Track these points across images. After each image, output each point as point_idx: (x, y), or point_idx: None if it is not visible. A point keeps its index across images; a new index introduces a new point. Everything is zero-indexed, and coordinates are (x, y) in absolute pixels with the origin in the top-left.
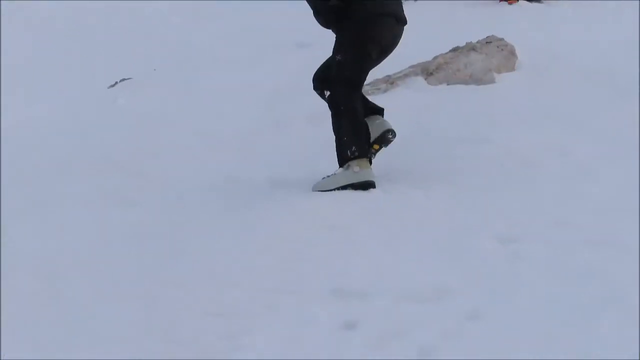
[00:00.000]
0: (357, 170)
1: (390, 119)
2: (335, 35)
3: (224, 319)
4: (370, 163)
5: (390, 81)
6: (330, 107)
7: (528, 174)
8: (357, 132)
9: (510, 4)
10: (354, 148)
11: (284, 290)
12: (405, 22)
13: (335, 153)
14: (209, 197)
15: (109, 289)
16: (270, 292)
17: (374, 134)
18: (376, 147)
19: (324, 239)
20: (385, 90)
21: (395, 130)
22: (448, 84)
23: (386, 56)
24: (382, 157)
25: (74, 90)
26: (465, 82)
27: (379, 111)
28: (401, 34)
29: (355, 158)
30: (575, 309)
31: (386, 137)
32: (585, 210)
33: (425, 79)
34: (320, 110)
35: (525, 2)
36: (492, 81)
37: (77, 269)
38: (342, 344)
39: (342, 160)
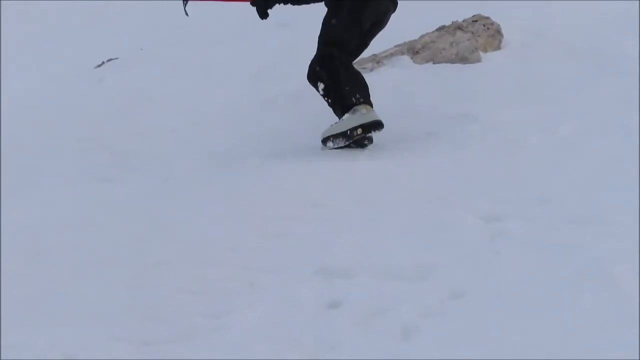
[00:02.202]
0: (364, 113)
1: (376, 97)
2: (329, 5)
3: (206, 298)
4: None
5: (377, 60)
6: (324, 67)
7: (512, 151)
8: (357, 81)
9: None
10: (357, 95)
11: (267, 269)
12: (396, 2)
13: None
14: (193, 174)
15: (92, 267)
16: (253, 271)
17: (361, 120)
18: (359, 131)
19: (307, 217)
20: (371, 69)
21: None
22: (434, 63)
23: (378, 30)
24: None
25: (59, 69)
26: (451, 61)
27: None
28: (392, 10)
29: (360, 104)
30: (558, 286)
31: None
32: (568, 186)
33: (411, 58)
34: (303, 89)
35: None
36: (478, 60)
37: (60, 246)
38: (325, 323)
39: (347, 106)
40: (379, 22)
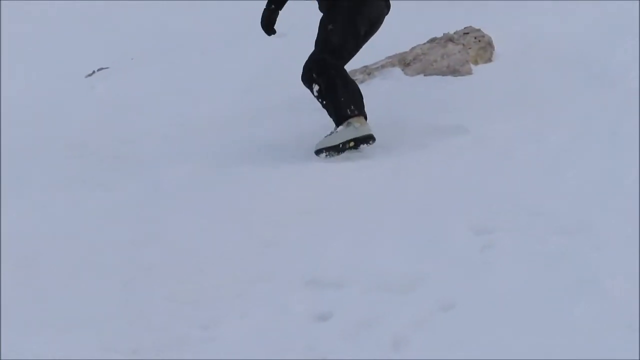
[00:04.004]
0: (357, 126)
1: (367, 109)
2: (325, 11)
3: (196, 307)
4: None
5: (368, 71)
6: (321, 75)
7: (503, 162)
8: (353, 92)
9: None
10: (352, 107)
11: (257, 279)
12: (389, 4)
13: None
14: (183, 182)
15: (81, 274)
16: (242, 281)
17: (356, 134)
18: (352, 144)
19: (297, 225)
20: (362, 81)
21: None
22: (425, 75)
23: (371, 35)
24: None
25: (50, 78)
26: (443, 73)
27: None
28: (385, 15)
29: (354, 116)
30: (548, 297)
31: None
32: (559, 197)
33: (402, 70)
34: (297, 98)
35: None
36: (469, 72)
37: (50, 252)
38: (315, 333)
39: (342, 118)
40: (374, 25)
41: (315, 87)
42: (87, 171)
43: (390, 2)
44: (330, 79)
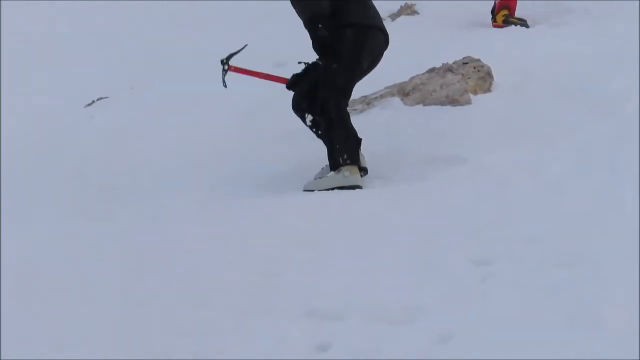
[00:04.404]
0: (347, 175)
1: (366, 139)
2: (328, 45)
3: (194, 340)
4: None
5: (367, 101)
6: (321, 113)
7: (501, 192)
8: (348, 139)
9: (500, 27)
10: (345, 156)
11: (255, 310)
12: (387, 37)
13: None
14: (182, 213)
15: (79, 304)
16: (241, 312)
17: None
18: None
19: (296, 256)
20: (361, 111)
21: (367, 169)
22: (424, 105)
23: (373, 67)
24: None
25: (50, 107)
26: (442, 103)
27: (357, 143)
28: (384, 50)
29: (346, 165)
30: (546, 328)
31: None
32: (557, 228)
33: (402, 100)
34: (294, 129)
35: (513, 26)
36: (469, 102)
37: (48, 283)
38: None
39: (335, 165)
40: (375, 61)
41: (309, 117)
42: (86, 201)
43: (389, 37)
44: (330, 122)
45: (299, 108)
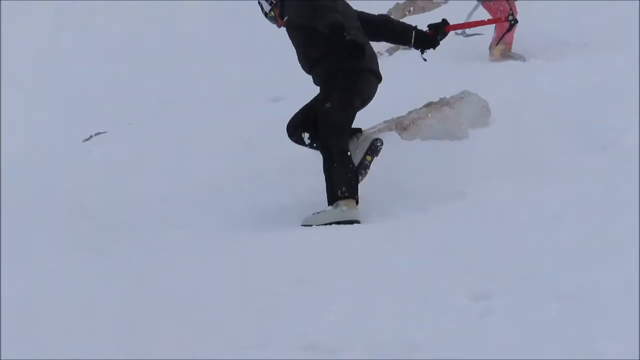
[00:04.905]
0: (344, 210)
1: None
2: (320, 85)
3: None
4: (357, 198)
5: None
6: (322, 150)
7: (499, 226)
8: (347, 173)
9: (498, 61)
10: (344, 188)
11: (254, 344)
12: (381, 78)
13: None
14: (180, 247)
15: (76, 337)
16: (239, 346)
17: (362, 148)
18: (368, 158)
19: (294, 291)
20: None
21: (382, 138)
22: (422, 139)
23: (365, 106)
24: None
25: (48, 143)
26: (439, 138)
27: (358, 130)
28: (376, 88)
29: (344, 198)
30: None
31: (375, 146)
32: (555, 262)
33: (400, 134)
34: (293, 160)
35: (511, 60)
36: (466, 137)
37: (47, 316)
38: None
39: (333, 199)
40: (367, 100)
41: (306, 135)
42: (85, 236)
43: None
44: (329, 157)
45: (294, 132)
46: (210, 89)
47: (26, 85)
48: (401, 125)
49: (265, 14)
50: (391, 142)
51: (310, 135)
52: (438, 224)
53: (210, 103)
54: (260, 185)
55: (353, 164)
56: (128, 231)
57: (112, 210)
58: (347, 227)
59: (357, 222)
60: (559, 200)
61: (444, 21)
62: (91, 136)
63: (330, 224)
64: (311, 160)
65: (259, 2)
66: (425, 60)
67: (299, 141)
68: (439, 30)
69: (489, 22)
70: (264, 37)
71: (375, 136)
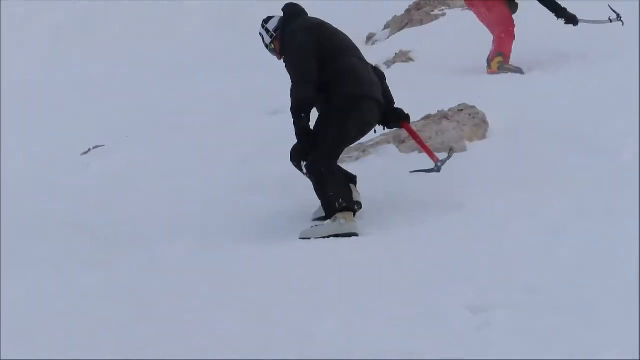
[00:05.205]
0: (342, 223)
1: (362, 186)
2: (319, 111)
3: None
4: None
5: (363, 149)
6: (311, 174)
7: (497, 237)
8: (341, 187)
9: (495, 74)
10: (341, 200)
11: (251, 356)
12: (383, 105)
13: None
14: (177, 260)
15: (74, 352)
16: (238, 358)
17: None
18: None
19: (292, 303)
20: (357, 158)
21: (361, 203)
22: (420, 152)
23: (363, 136)
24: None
25: (47, 156)
26: (437, 150)
27: (352, 179)
28: (378, 117)
29: (342, 210)
30: None
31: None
32: (554, 273)
33: (397, 147)
34: (289, 175)
35: (509, 73)
36: (464, 149)
37: (45, 330)
38: None
39: (331, 212)
40: (365, 130)
41: (304, 164)
42: (82, 250)
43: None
44: (320, 177)
45: (296, 159)
46: (209, 101)
47: (23, 99)
48: (399, 138)
49: (266, 46)
50: (389, 154)
51: (310, 162)
52: (436, 235)
53: (208, 116)
54: (259, 198)
55: (346, 181)
56: (127, 244)
57: (110, 224)
58: (345, 239)
59: (355, 234)
60: (557, 211)
61: (406, 117)
62: (89, 149)
63: (328, 236)
64: None
65: (260, 34)
66: None
67: (299, 167)
68: (396, 122)
69: (426, 150)
70: (259, 54)
71: (358, 198)
